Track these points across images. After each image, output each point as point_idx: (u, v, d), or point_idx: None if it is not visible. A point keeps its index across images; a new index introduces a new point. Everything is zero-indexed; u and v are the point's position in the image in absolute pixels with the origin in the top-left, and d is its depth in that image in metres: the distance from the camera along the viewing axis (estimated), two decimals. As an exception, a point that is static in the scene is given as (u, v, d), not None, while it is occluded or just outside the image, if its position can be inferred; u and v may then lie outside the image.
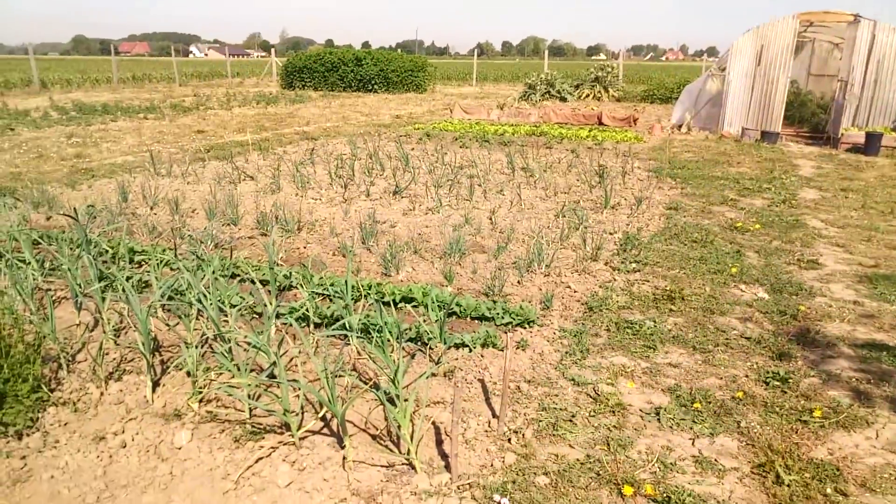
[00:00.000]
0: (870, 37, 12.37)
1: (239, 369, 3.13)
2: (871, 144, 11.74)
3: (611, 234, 6.33)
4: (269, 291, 4.52)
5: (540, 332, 4.03)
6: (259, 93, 26.42)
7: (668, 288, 4.77)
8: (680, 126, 15.04)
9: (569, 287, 4.83)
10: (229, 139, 13.02)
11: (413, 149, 11.68)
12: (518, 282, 4.93)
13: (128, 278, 4.58)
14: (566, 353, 3.76)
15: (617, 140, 13.14)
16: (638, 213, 7.16)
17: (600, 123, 16.09)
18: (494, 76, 43.65)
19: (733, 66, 13.64)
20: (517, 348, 3.79)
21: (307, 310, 4.01)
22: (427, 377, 3.18)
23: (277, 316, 4.13)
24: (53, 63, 68.32)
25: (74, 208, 5.34)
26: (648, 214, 7.14)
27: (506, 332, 4.02)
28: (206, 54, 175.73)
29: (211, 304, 3.48)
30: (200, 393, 3.19)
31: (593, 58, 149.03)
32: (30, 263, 4.33)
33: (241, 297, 4.30)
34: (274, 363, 2.95)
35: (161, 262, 4.63)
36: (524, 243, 6.00)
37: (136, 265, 5.14)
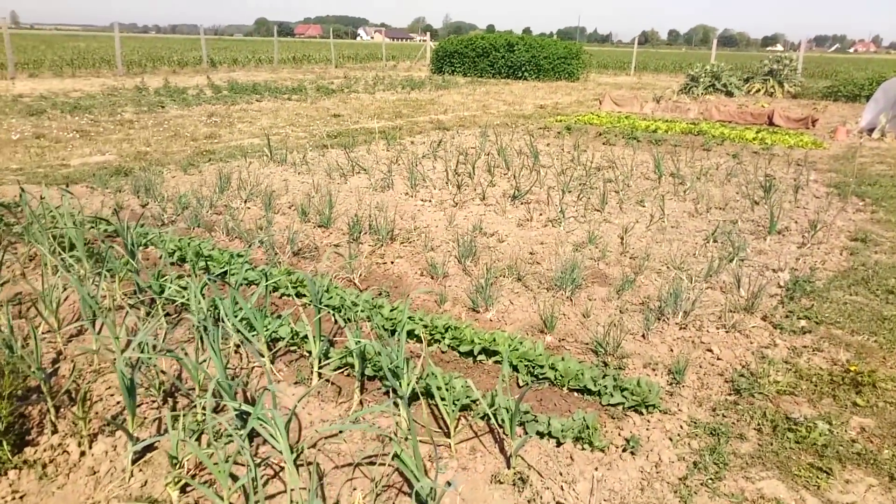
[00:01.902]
0: None
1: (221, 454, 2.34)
2: None
3: (774, 271, 4.99)
4: (336, 321, 3.74)
5: (661, 424, 2.93)
6: (408, 77, 26.22)
7: (851, 366, 3.47)
8: (871, 130, 12.77)
9: (710, 350, 3.65)
10: (362, 125, 12.58)
11: (549, 144, 10.60)
12: (643, 336, 3.82)
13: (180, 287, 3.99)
14: (694, 464, 2.65)
15: (790, 145, 11.28)
16: (812, 244, 5.71)
17: (771, 124, 14.08)
18: (655, 66, 41.03)
19: (949, 61, 11.26)
20: (624, 450, 2.73)
21: (359, 358, 3.17)
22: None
23: (325, 360, 3.34)
24: (234, 43, 73.21)
25: (118, 211, 4.84)
26: (826, 246, 5.67)
27: (613, 419, 2.97)
28: (371, 37, 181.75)
29: (216, 358, 2.73)
30: (180, 479, 2.44)
31: (768, 49, 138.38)
32: (71, 268, 3.84)
33: (291, 329, 3.55)
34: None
35: (214, 272, 3.99)
36: (660, 276, 4.83)
37: (202, 272, 4.57)
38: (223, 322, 3.37)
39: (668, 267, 5.01)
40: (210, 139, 10.55)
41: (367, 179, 7.66)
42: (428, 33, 40.27)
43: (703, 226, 6.21)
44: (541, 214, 6.44)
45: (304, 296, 4.11)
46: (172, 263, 4.69)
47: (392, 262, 4.90)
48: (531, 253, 5.30)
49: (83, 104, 14.02)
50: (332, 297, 3.99)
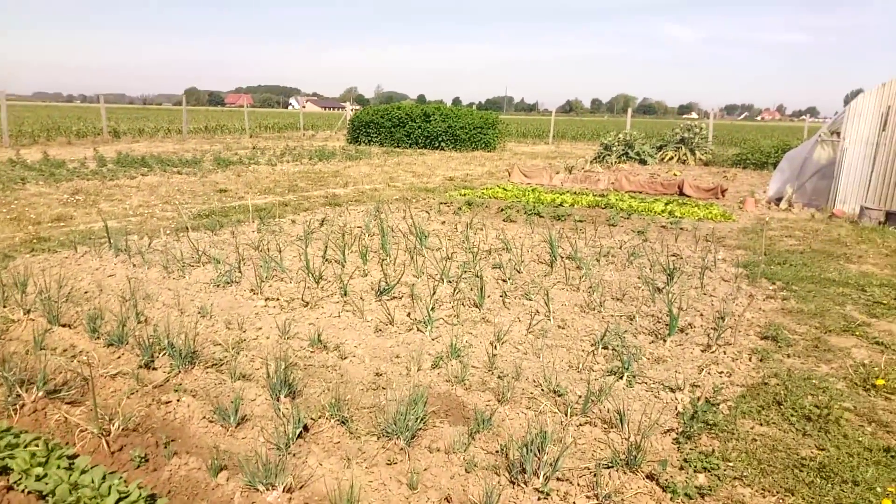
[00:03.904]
0: None
1: None
2: None
3: (672, 391, 4.05)
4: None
5: None
6: (321, 148, 25.26)
7: (764, 559, 2.47)
8: (778, 200, 12.46)
9: (571, 542, 2.61)
10: (245, 202, 11.42)
11: (444, 222, 9.69)
12: (483, 516, 2.75)
13: None
14: None
15: (699, 217, 10.74)
16: (718, 346, 4.84)
17: (681, 194, 13.68)
18: (574, 134, 41.63)
19: (850, 131, 11.06)
20: None
21: None
22: None
23: None
24: (159, 112, 71.76)
25: None
26: (734, 350, 4.80)
27: None
28: (303, 106, 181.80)
29: None
30: None
31: (684, 116, 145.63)
32: None
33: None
34: None
35: None
36: (531, 405, 3.81)
37: None
38: None
39: (542, 390, 4.01)
40: (57, 222, 9.18)
41: (214, 271, 6.48)
42: (347, 103, 39.74)
43: (594, 325, 5.28)
44: (408, 314, 5.39)
45: (12, 471, 2.87)
46: None
47: (179, 401, 3.71)
48: (377, 374, 4.21)
49: (-70, 182, 12.41)
50: (47, 474, 2.79)
